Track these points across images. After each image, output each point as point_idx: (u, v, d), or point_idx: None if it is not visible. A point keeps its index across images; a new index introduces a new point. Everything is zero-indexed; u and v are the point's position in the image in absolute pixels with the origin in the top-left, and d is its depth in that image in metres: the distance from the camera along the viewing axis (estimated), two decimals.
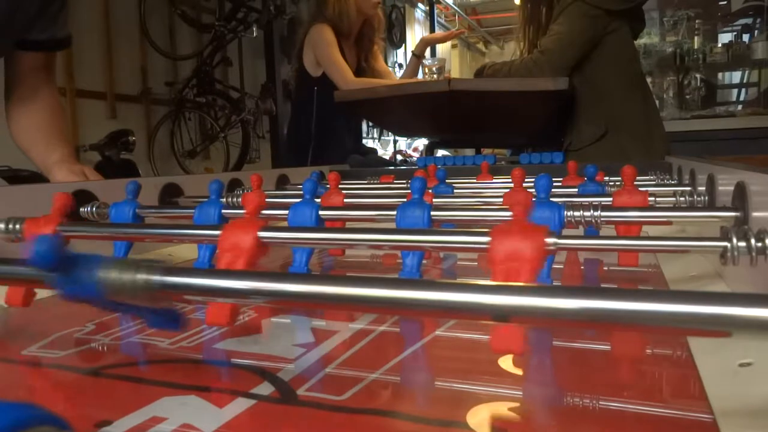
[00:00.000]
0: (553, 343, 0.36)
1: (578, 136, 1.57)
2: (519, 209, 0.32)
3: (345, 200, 0.60)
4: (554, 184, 0.77)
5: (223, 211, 0.53)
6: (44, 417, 0.14)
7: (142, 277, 0.25)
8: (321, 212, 0.49)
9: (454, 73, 5.76)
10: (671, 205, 0.56)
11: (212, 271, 0.26)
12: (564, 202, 0.43)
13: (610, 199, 0.52)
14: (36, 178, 0.97)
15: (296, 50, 1.92)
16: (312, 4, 2.01)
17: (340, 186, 0.63)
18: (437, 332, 0.37)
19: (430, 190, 0.66)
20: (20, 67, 0.96)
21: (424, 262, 0.61)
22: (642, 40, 3.20)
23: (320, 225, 0.49)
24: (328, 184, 0.63)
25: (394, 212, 0.50)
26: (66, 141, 1.00)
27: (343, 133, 1.89)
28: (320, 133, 1.85)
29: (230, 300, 0.31)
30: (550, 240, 0.31)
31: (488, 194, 0.65)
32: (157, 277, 0.25)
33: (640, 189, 0.52)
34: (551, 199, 0.44)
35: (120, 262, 0.26)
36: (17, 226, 0.46)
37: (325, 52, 1.77)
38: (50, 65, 1.01)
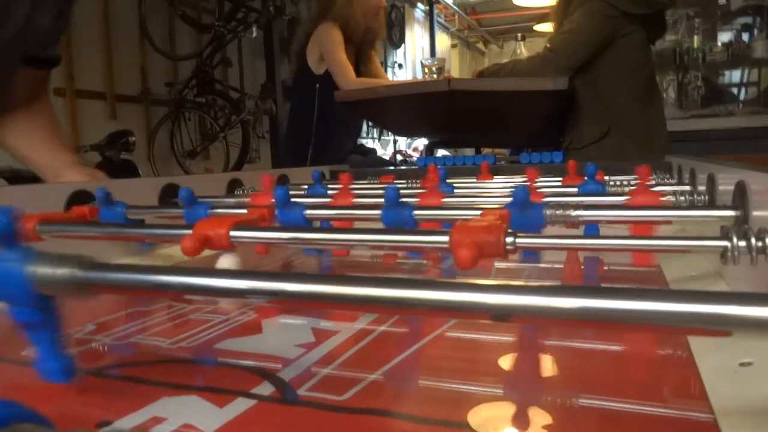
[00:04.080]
0: (553, 343, 0.36)
1: (579, 135, 1.56)
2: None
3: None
4: (554, 183, 0.77)
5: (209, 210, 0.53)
6: (24, 414, 0.14)
7: (70, 272, 0.25)
8: (309, 212, 0.49)
9: (454, 73, 5.76)
10: (671, 205, 0.56)
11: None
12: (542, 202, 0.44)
13: (623, 199, 0.53)
14: (37, 178, 0.97)
15: (298, 48, 1.92)
16: (314, 5, 2.01)
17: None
18: (437, 332, 0.37)
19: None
20: (20, 81, 0.96)
21: (424, 261, 0.61)
22: None
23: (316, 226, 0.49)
24: (337, 183, 0.63)
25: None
26: (70, 148, 1.01)
27: (342, 133, 1.90)
28: (320, 132, 1.85)
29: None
30: (509, 239, 0.31)
31: (488, 194, 0.65)
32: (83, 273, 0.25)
33: (653, 190, 0.53)
34: (544, 199, 0.44)
35: (47, 257, 0.26)
36: None
37: (331, 50, 1.78)
38: (47, 79, 1.03)
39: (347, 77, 1.76)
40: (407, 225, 0.45)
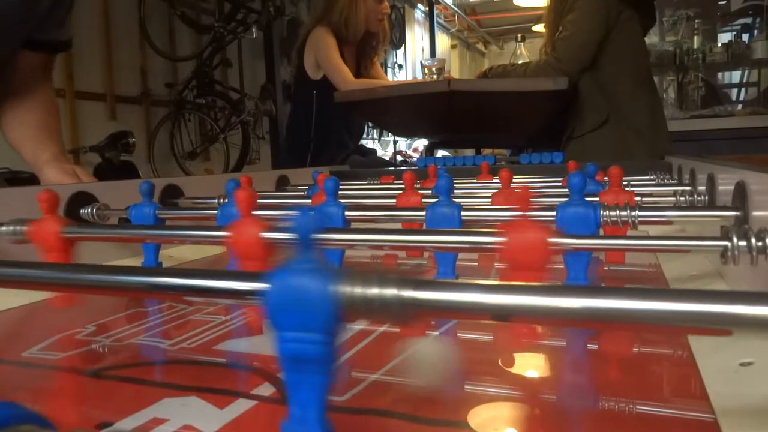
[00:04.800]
0: (553, 343, 0.36)
1: (580, 124, 1.57)
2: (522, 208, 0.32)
3: (345, 201, 0.60)
4: (554, 183, 0.77)
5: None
6: (25, 415, 0.14)
7: (391, 292, 0.20)
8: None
9: (454, 73, 5.76)
10: (671, 205, 0.56)
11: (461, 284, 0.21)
12: (596, 202, 0.43)
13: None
14: (36, 180, 0.97)
15: (295, 50, 1.93)
16: (316, 5, 2.01)
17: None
18: (437, 332, 0.37)
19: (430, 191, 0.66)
20: (19, 65, 0.95)
21: (424, 261, 0.61)
22: None
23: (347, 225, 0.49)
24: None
25: (394, 213, 0.50)
26: (58, 140, 0.98)
27: (342, 134, 1.90)
28: (318, 137, 1.85)
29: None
30: (552, 240, 0.31)
31: (488, 194, 0.65)
32: (408, 293, 0.20)
33: (626, 189, 0.54)
34: (552, 199, 0.44)
35: (359, 274, 0.20)
36: (22, 228, 0.46)
37: (325, 55, 1.78)
38: (49, 66, 1.01)
39: (345, 79, 1.76)
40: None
